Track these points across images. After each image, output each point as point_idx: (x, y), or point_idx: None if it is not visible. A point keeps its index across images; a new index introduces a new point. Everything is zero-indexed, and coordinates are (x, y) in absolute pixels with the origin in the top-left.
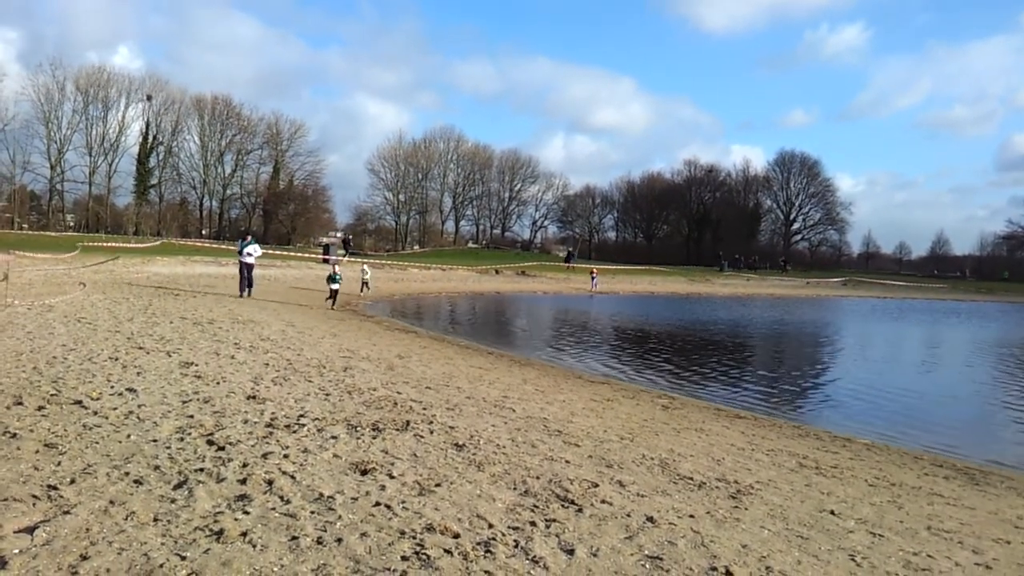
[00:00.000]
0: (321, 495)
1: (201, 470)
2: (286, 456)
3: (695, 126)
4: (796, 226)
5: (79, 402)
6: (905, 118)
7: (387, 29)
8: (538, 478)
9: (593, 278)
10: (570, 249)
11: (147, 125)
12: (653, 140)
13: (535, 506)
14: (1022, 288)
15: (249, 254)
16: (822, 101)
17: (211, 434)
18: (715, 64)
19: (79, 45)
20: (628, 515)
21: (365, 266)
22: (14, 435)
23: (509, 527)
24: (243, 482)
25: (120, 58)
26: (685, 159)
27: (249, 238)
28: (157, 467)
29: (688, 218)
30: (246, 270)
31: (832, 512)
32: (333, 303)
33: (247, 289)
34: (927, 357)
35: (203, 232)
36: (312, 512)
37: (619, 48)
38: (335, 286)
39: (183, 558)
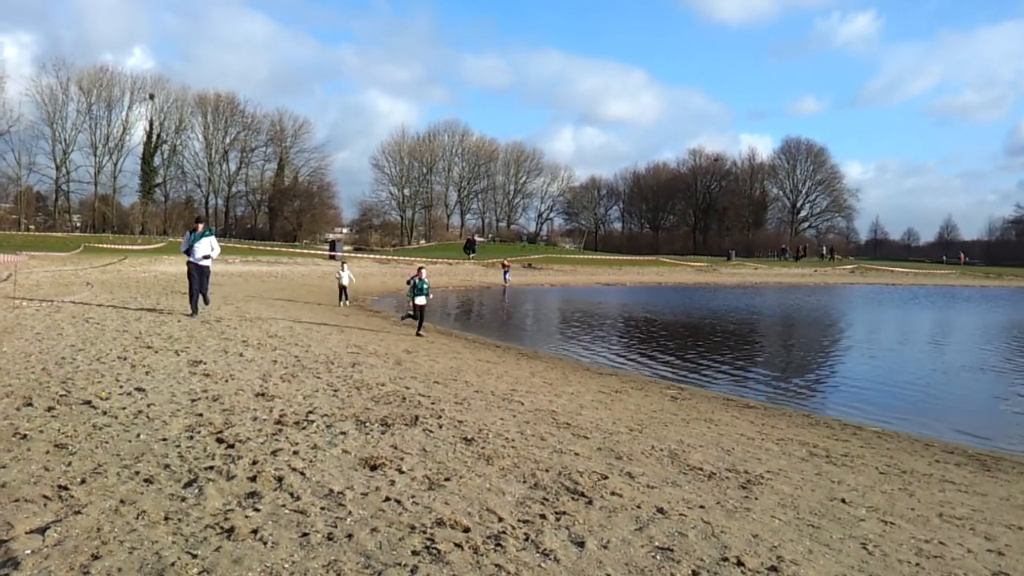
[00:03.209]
0: (331, 491)
1: (211, 468)
2: (296, 453)
3: (705, 116)
4: (803, 214)
5: (88, 402)
6: (915, 105)
7: (400, 25)
8: (547, 471)
9: (505, 271)
10: (470, 238)
11: (151, 124)
12: (663, 131)
13: (545, 499)
14: None
15: (206, 256)
16: (833, 89)
17: (220, 432)
18: (727, 54)
19: (94, 47)
20: (638, 507)
21: (345, 265)
22: (24, 436)
23: (519, 520)
24: (253, 479)
25: (134, 59)
26: (691, 148)
27: (201, 227)
28: (167, 466)
29: (694, 208)
30: (197, 275)
31: (843, 500)
32: (420, 325)
33: (198, 302)
34: (937, 343)
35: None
36: (322, 508)
37: (631, 39)
38: (421, 300)
39: (194, 556)
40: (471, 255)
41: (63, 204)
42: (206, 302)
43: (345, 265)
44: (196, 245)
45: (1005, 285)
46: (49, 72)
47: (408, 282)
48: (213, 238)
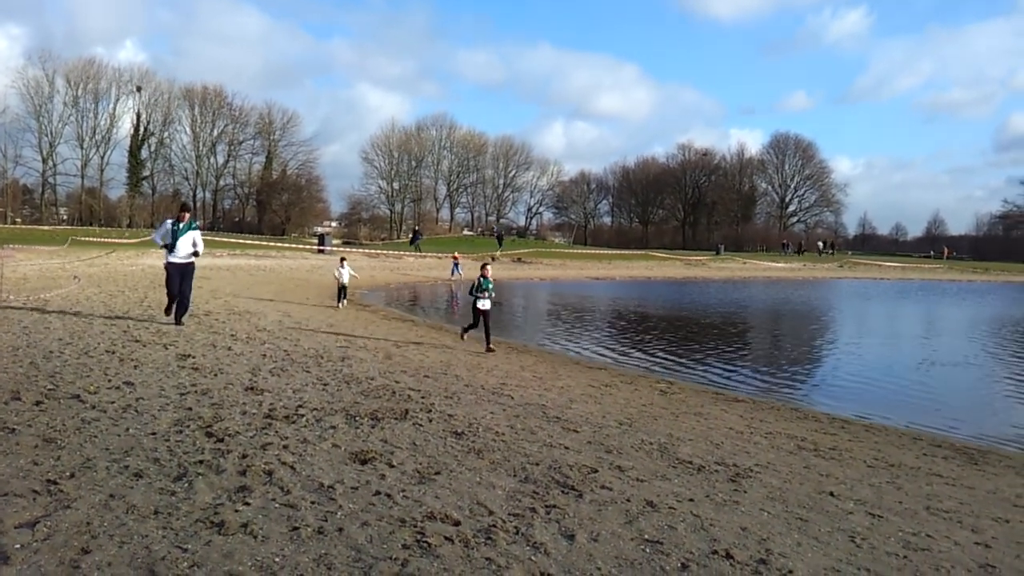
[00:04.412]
0: (321, 485)
1: (200, 462)
2: (285, 447)
3: (697, 112)
4: (791, 208)
5: (77, 396)
6: (904, 101)
7: (393, 19)
8: (537, 464)
9: (455, 265)
10: (416, 228)
11: (138, 116)
12: (654, 126)
13: (535, 492)
14: (1018, 267)
15: (193, 253)
16: (824, 85)
17: (210, 426)
18: (719, 50)
19: (86, 40)
20: (628, 500)
21: (344, 262)
22: (12, 430)
23: (509, 514)
24: (243, 473)
25: (126, 52)
26: (680, 143)
27: (187, 217)
28: (156, 460)
29: (683, 202)
30: (178, 276)
31: (831, 494)
32: (488, 338)
33: (180, 309)
34: (925, 337)
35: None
36: (312, 502)
37: (625, 34)
38: (485, 304)
39: (184, 550)
40: (416, 248)
41: (50, 197)
42: (186, 308)
43: (345, 262)
44: (180, 240)
45: (992, 279)
46: (35, 64)
47: (475, 288)
48: (198, 232)
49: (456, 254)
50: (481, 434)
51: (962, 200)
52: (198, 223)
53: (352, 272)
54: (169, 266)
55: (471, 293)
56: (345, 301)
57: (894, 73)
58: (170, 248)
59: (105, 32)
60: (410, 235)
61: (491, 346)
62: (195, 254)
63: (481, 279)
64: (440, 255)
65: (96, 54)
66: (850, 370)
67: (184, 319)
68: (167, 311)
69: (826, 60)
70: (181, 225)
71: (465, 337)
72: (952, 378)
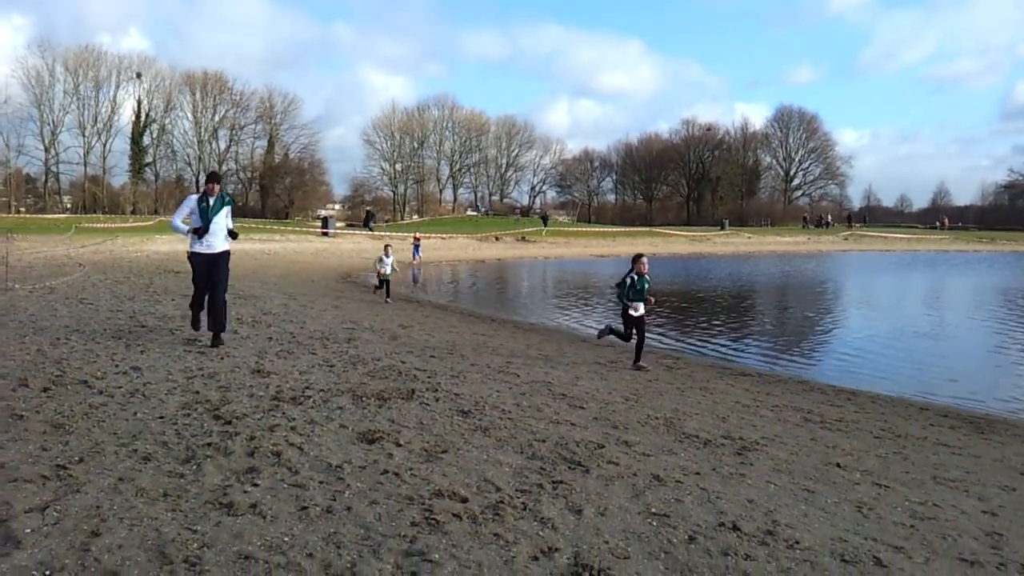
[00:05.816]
0: (329, 465)
1: (209, 445)
2: (293, 428)
3: (702, 86)
4: (796, 182)
5: (84, 382)
6: (910, 72)
7: (396, 0)
8: (544, 441)
9: (415, 247)
10: (368, 209)
11: (139, 103)
12: (659, 102)
13: (542, 469)
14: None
15: (229, 233)
16: (828, 57)
17: (217, 409)
18: (723, 23)
19: (91, 28)
20: (635, 474)
21: (388, 248)
22: (21, 416)
23: (517, 490)
24: (251, 455)
25: (130, 39)
26: (684, 119)
27: (217, 190)
28: (165, 443)
29: (687, 178)
30: (207, 271)
31: (838, 465)
32: (639, 350)
33: (213, 319)
34: (931, 307)
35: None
36: (321, 482)
37: (629, 9)
38: (640, 309)
39: (194, 532)
40: (370, 229)
41: (53, 186)
42: (222, 321)
43: (390, 249)
44: (213, 222)
45: (998, 249)
46: (35, 53)
47: (620, 285)
48: (229, 207)
49: (416, 235)
50: (488, 412)
51: (968, 170)
52: (230, 198)
53: (395, 264)
54: (194, 257)
55: (622, 294)
56: (388, 296)
57: (899, 44)
58: (200, 233)
59: (109, 20)
60: (365, 215)
61: (642, 362)
62: (232, 234)
63: (635, 276)
64: (444, 236)
65: (98, 42)
66: (856, 342)
67: (224, 335)
68: (193, 323)
69: (831, 32)
70: (212, 200)
71: (602, 338)
72: (958, 348)
